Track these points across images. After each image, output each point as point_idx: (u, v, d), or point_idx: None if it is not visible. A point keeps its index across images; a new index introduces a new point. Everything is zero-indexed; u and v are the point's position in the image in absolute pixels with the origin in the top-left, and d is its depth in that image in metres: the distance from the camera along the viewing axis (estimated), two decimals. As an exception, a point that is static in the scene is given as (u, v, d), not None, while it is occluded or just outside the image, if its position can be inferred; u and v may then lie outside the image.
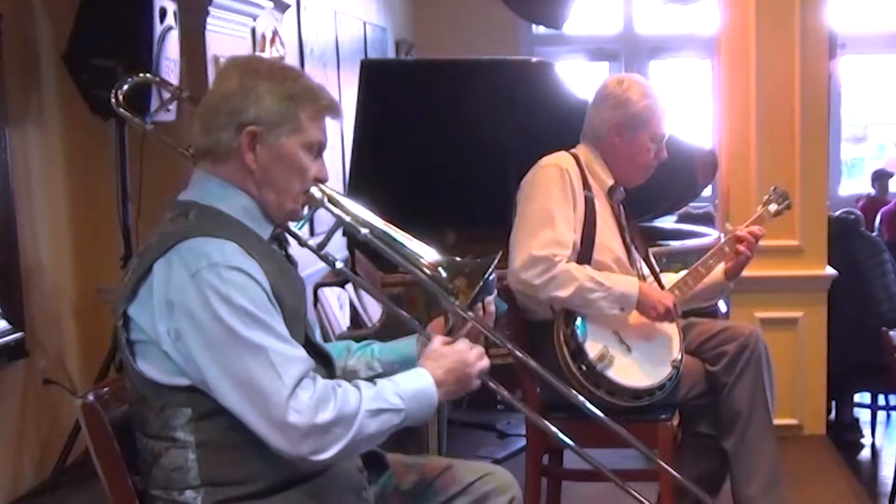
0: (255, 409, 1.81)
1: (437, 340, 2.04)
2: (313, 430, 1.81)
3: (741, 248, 3.10)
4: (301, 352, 1.89)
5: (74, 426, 3.89)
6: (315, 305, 4.06)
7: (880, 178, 8.96)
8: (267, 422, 1.80)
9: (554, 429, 2.21)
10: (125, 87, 2.30)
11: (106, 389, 2.02)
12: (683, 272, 3.17)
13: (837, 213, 5.21)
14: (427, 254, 2.08)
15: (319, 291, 4.09)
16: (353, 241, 4.06)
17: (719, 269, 3.16)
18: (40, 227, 4.25)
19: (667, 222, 5.58)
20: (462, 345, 2.03)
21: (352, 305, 4.33)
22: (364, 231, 2.06)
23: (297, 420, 1.80)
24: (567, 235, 2.94)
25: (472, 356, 2.02)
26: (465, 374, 2.01)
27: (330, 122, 2.04)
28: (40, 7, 4.28)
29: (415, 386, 1.95)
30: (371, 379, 2.14)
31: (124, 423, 1.98)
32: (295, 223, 2.07)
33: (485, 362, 2.04)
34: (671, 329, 3.03)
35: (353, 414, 1.85)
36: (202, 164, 2.01)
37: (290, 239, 2.11)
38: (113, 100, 2.36)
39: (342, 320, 4.25)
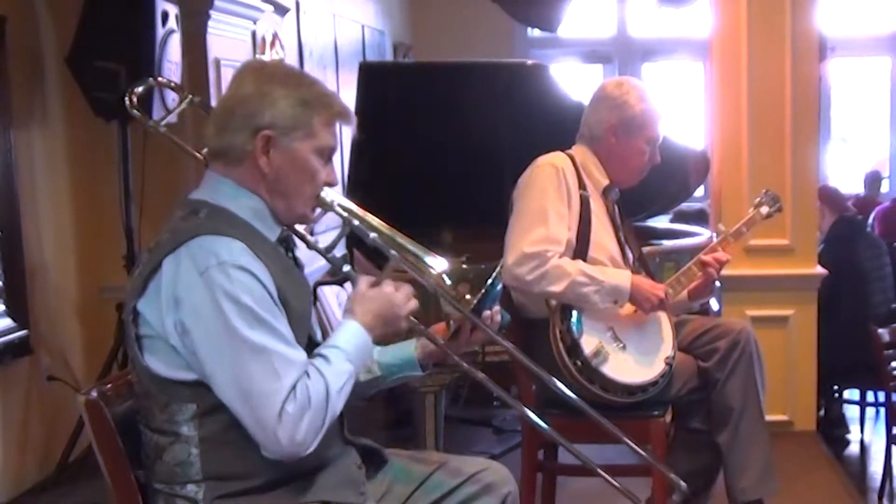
0: (249, 408, 1.83)
1: (364, 282, 2.04)
2: (297, 431, 1.83)
3: (709, 269, 3.13)
4: (301, 355, 1.91)
5: (78, 422, 3.93)
6: (314, 304, 4.09)
7: (872, 179, 9.02)
8: (258, 422, 1.83)
9: (536, 417, 2.21)
10: (139, 89, 2.33)
11: (109, 386, 2.03)
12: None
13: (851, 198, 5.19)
14: (431, 259, 2.10)
15: (319, 290, 4.09)
16: (353, 240, 4.10)
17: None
18: (44, 227, 4.28)
19: (661, 220, 5.63)
20: (388, 287, 2.03)
21: (350, 304, 4.35)
22: (372, 235, 2.08)
23: (284, 430, 1.82)
24: (560, 233, 2.97)
25: (399, 298, 2.03)
26: (393, 315, 2.02)
27: None
28: (44, 10, 4.31)
29: (355, 343, 1.98)
30: (367, 381, 2.19)
31: (127, 419, 1.99)
32: (303, 226, 2.09)
33: (413, 303, 2.05)
34: (664, 326, 3.07)
35: (325, 400, 1.88)
36: (215, 166, 2.02)
37: (297, 241, 2.13)
38: (127, 102, 2.39)
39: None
